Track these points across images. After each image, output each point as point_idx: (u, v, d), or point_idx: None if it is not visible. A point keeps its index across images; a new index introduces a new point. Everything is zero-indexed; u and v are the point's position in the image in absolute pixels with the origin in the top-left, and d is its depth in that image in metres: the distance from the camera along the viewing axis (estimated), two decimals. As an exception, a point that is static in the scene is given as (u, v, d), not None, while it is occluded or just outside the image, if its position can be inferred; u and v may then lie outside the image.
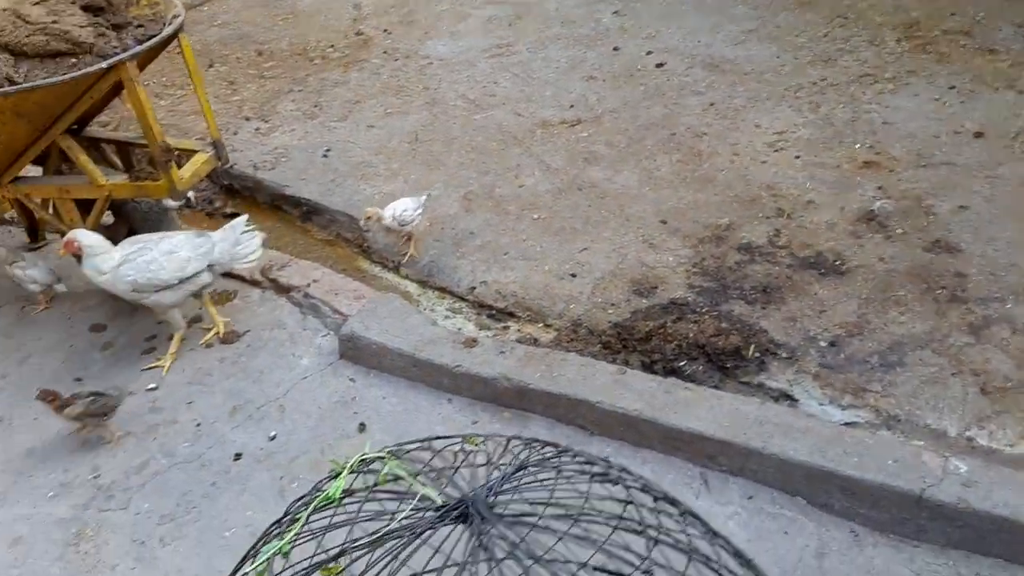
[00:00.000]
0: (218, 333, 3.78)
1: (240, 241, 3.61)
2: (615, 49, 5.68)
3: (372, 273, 4.23)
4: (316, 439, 3.27)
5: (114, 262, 3.42)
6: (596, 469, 1.44)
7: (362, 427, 3.30)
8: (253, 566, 1.32)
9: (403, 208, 3.97)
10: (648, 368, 3.38)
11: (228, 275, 4.05)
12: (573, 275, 3.87)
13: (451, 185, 4.54)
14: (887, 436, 2.94)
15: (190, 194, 4.42)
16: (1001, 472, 2.69)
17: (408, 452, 1.57)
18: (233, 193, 4.94)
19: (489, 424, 3.23)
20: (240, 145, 5.05)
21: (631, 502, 1.38)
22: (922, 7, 5.86)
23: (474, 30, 6.18)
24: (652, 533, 1.32)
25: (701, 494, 2.85)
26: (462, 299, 3.93)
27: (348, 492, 1.39)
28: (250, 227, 3.67)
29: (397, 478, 1.40)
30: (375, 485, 1.38)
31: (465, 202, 4.40)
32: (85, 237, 3.40)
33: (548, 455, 1.48)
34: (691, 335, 3.46)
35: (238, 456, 3.24)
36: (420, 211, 4.01)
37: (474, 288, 3.91)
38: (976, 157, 4.32)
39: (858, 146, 4.48)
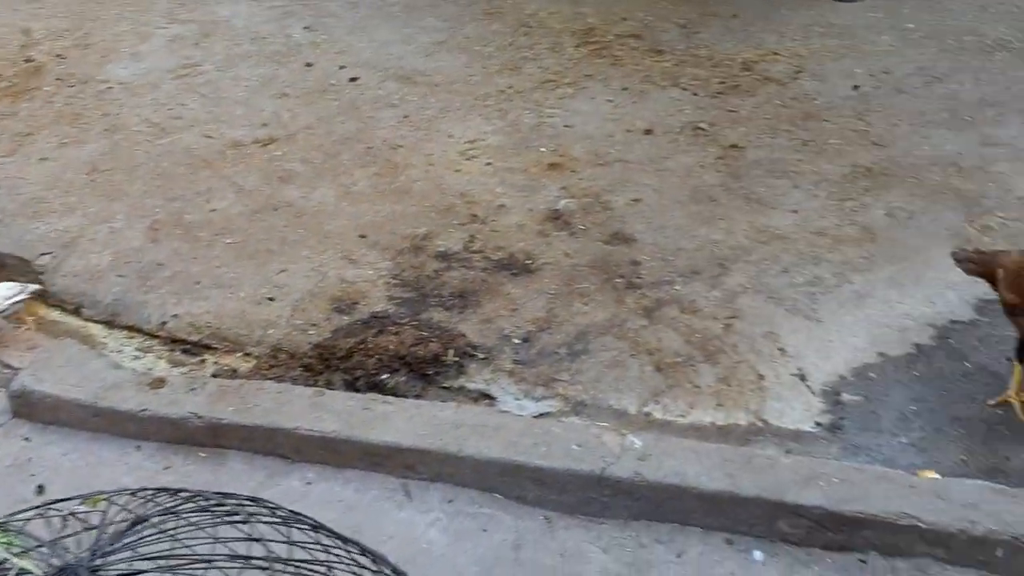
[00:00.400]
0: None
1: None
2: (307, 65, 5.61)
3: (50, 319, 3.87)
4: (-15, 511, 2.94)
5: None
6: (226, 509, 1.38)
7: (40, 489, 3.01)
8: None
9: None
10: (351, 385, 3.36)
11: None
12: (271, 299, 3.77)
13: (134, 216, 4.26)
14: (574, 422, 3.11)
15: None
16: (671, 443, 2.94)
17: (24, 524, 1.43)
18: None
19: (183, 467, 3.06)
20: None
21: (259, 538, 1.34)
22: (598, 13, 6.28)
23: (157, 50, 5.85)
24: (277, 568, 1.28)
25: (404, 505, 2.87)
26: (153, 336, 3.70)
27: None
28: None
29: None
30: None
31: (151, 232, 4.15)
32: None
33: (176, 502, 1.40)
34: (392, 347, 3.47)
35: None
36: (14, 301, 3.67)
37: (165, 323, 3.70)
38: (646, 153, 4.69)
39: (543, 149, 4.72)
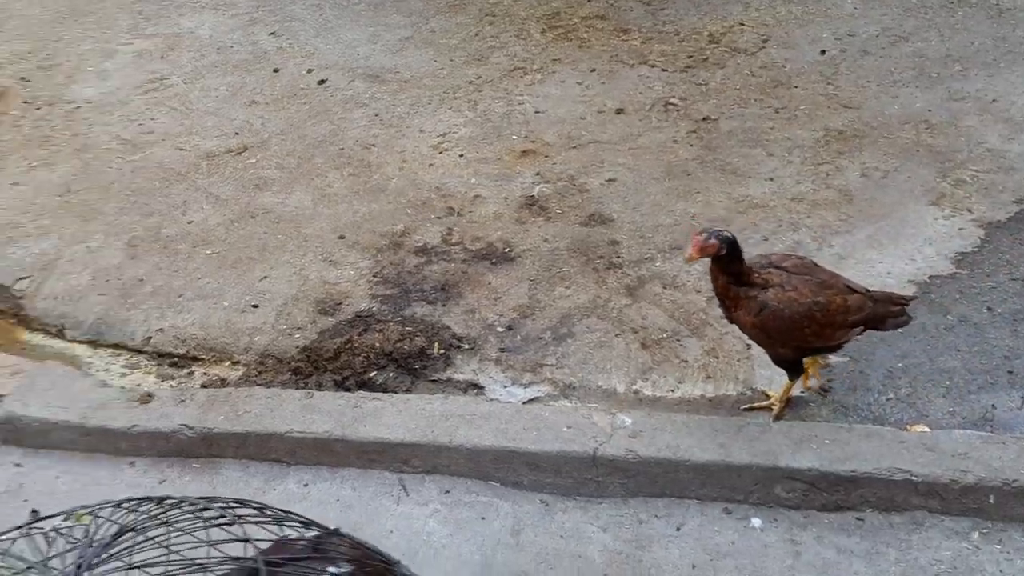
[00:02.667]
0: None
1: None
2: (275, 71, 5.58)
3: (34, 343, 3.85)
4: (-18, 540, 2.93)
5: None
6: (212, 513, 1.39)
7: (35, 514, 2.97)
8: None
9: None
10: (340, 385, 3.35)
11: None
12: (255, 306, 3.76)
13: (112, 233, 4.24)
14: (563, 405, 3.12)
15: None
16: (662, 418, 2.95)
17: (12, 543, 1.43)
18: None
19: (179, 479, 3.06)
20: None
21: (248, 539, 1.34)
22: (562, -3, 6.27)
23: (124, 67, 5.81)
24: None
25: (401, 500, 2.88)
26: (139, 352, 3.69)
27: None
28: None
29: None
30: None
31: (130, 249, 4.14)
32: None
33: (162, 509, 1.40)
34: (378, 344, 3.48)
35: None
36: None
37: (150, 338, 3.69)
38: (619, 132, 4.69)
39: (515, 137, 4.72)
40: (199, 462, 3.11)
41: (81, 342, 3.79)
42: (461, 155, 4.62)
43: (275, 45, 5.92)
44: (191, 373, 3.58)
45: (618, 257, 3.81)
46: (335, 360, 3.45)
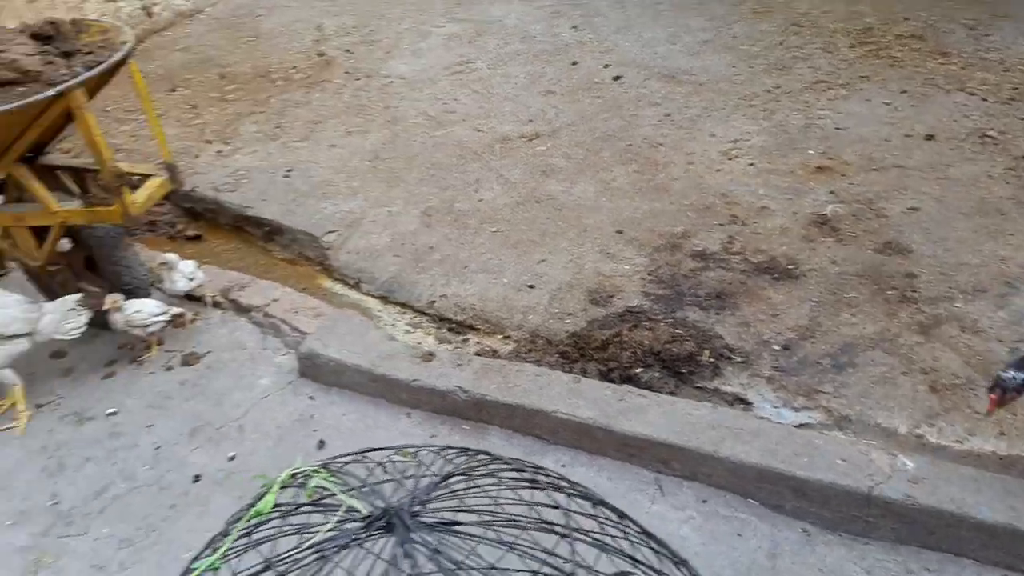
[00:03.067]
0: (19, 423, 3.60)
1: (68, 317, 3.60)
2: (573, 63, 5.74)
3: (334, 291, 4.24)
4: (276, 458, 3.28)
5: None
6: (525, 476, 1.46)
7: (321, 444, 3.31)
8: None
9: (138, 312, 3.78)
10: (605, 376, 3.41)
11: (189, 297, 4.06)
12: (531, 286, 3.91)
13: (411, 201, 4.57)
14: (837, 436, 2.98)
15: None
16: (947, 468, 2.74)
17: (343, 466, 1.58)
18: (195, 216, 4.95)
19: (448, 437, 3.24)
20: (202, 168, 5.06)
21: (557, 506, 1.41)
22: (876, 13, 5.96)
23: (435, 48, 6.22)
24: (576, 535, 1.34)
25: (656, 499, 2.88)
26: (422, 313, 3.95)
27: (279, 507, 1.41)
28: (80, 305, 3.64)
29: (327, 492, 1.41)
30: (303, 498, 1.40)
31: (425, 217, 4.43)
32: None
33: (476, 463, 1.50)
34: (646, 342, 3.49)
35: (197, 478, 3.23)
36: (159, 319, 3.82)
37: (434, 302, 3.93)
38: (926, 159, 4.39)
39: (811, 152, 4.55)
40: (468, 424, 3.28)
41: (374, 296, 4.12)
42: (751, 164, 4.52)
43: (576, 39, 6.09)
44: (466, 340, 3.77)
45: (913, 291, 3.57)
46: (602, 350, 3.51)
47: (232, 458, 3.29)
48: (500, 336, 3.73)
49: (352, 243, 4.37)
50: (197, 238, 4.81)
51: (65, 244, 3.89)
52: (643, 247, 4.07)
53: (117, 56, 3.40)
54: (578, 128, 5.05)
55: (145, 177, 3.77)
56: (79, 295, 3.66)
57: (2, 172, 3.50)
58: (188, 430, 3.45)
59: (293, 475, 1.48)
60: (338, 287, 4.27)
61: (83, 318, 3.63)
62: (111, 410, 3.60)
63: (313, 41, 6.61)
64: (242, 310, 4.08)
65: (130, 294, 3.83)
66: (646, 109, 5.15)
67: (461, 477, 1.42)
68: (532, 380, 3.25)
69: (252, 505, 1.51)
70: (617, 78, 5.50)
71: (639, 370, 3.41)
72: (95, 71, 3.29)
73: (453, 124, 5.23)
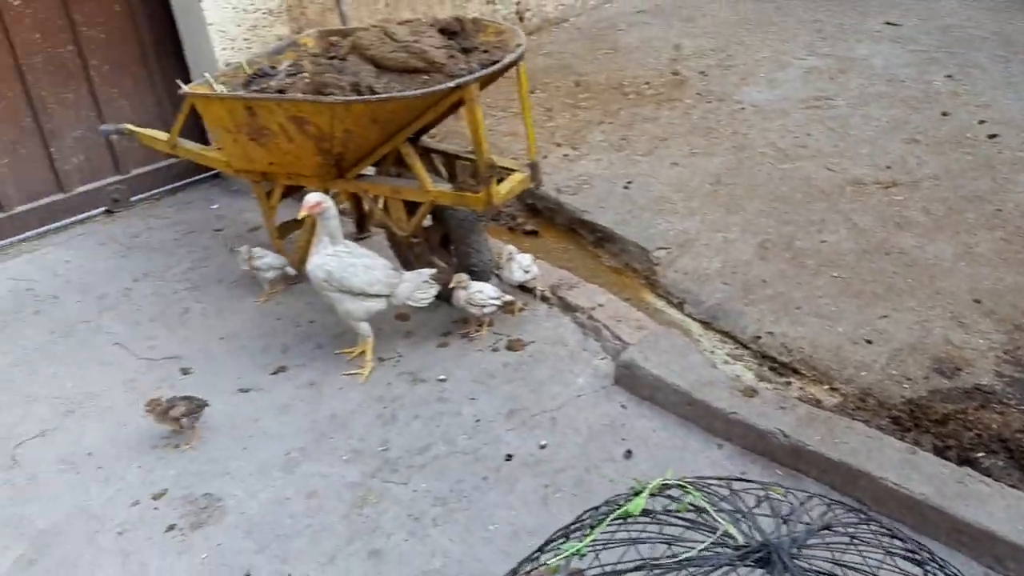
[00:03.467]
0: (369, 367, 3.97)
1: (421, 288, 3.87)
2: (943, 114, 5.36)
3: (656, 307, 4.28)
4: (582, 456, 3.38)
5: (327, 250, 3.76)
6: (901, 545, 1.39)
7: (628, 454, 3.36)
8: (554, 558, 1.41)
9: (479, 293, 4.00)
10: (939, 453, 3.15)
11: (522, 288, 4.29)
12: (868, 341, 3.70)
13: (748, 231, 4.50)
14: None
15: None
16: None
17: (709, 486, 1.60)
18: (535, 212, 5.22)
19: (759, 477, 3.16)
20: (548, 168, 5.32)
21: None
22: None
23: (792, 80, 6.08)
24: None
25: (986, 600, 2.63)
26: (744, 346, 3.88)
27: (647, 512, 1.45)
28: (432, 279, 3.89)
29: (697, 509, 1.43)
30: (675, 510, 1.43)
31: (761, 250, 4.35)
32: (327, 202, 3.73)
33: (855, 520, 1.45)
34: (995, 426, 3.19)
35: (509, 457, 3.42)
36: (495, 303, 4.02)
37: (759, 337, 3.85)
38: None
39: None
40: (781, 469, 3.18)
41: (696, 319, 4.11)
42: None
43: (949, 88, 5.68)
44: (788, 383, 3.65)
45: None
46: (941, 425, 3.25)
47: (543, 446, 3.44)
48: (827, 386, 3.58)
49: (681, 263, 4.39)
50: (534, 233, 5.07)
51: (426, 220, 4.27)
52: (1002, 322, 3.71)
53: (510, 57, 3.66)
54: (941, 183, 4.70)
55: (508, 171, 4.04)
56: (432, 270, 4.00)
57: (392, 147, 3.91)
58: (506, 410, 3.66)
59: (664, 485, 1.51)
60: (660, 304, 4.31)
61: (432, 290, 3.96)
62: (441, 377, 3.90)
63: (669, 59, 6.71)
64: (568, 308, 4.24)
65: (474, 276, 4.12)
66: (1022, 174, 4.68)
67: (837, 530, 1.38)
68: (862, 440, 3.08)
69: (615, 503, 1.56)
70: (992, 136, 5.05)
71: (981, 455, 3.12)
72: (491, 69, 3.58)
73: (803, 159, 5.08)
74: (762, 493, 1.49)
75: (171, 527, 3.26)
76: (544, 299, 4.34)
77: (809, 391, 3.57)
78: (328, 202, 3.74)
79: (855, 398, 3.46)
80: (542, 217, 5.18)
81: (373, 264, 3.84)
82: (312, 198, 3.71)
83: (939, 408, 3.30)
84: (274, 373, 4.02)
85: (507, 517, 3.15)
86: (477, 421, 3.62)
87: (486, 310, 4.04)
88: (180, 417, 3.55)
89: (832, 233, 4.41)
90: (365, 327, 3.92)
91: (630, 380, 3.68)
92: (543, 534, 3.03)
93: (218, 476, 3.47)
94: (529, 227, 5.13)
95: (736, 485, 1.56)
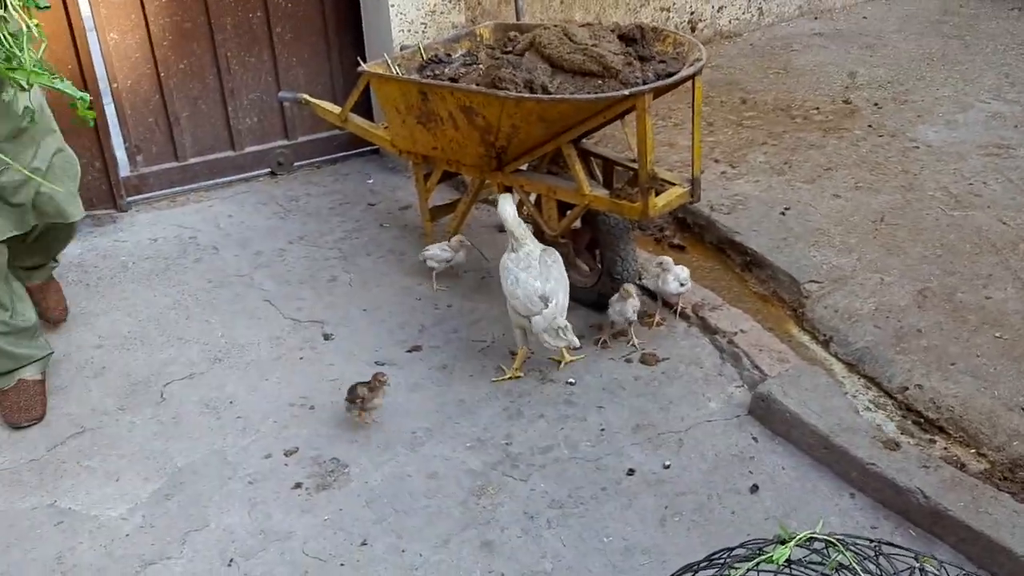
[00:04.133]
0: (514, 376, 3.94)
1: (550, 331, 3.69)
2: None
3: (800, 341, 4.15)
4: (706, 483, 3.32)
5: (507, 253, 3.81)
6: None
7: (754, 488, 3.28)
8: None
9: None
10: (1092, 540, 2.94)
11: (664, 303, 4.25)
12: (1025, 409, 3.49)
13: (907, 276, 4.30)
14: None
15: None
16: None
17: (857, 545, 1.54)
18: (684, 227, 5.15)
19: (890, 535, 3.02)
20: (703, 184, 5.20)
21: None
22: None
23: (973, 123, 5.76)
24: None
25: None
26: (890, 396, 3.71)
27: (790, 563, 1.42)
28: (565, 331, 3.68)
29: (842, 567, 1.39)
30: (818, 563, 1.39)
31: (919, 297, 4.15)
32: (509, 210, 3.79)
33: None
34: None
35: (631, 472, 3.39)
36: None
37: (907, 388, 3.68)
38: None
39: None
40: (915, 531, 3.03)
41: (841, 360, 3.96)
42: None
43: None
44: (932, 441, 3.48)
45: None
46: (1099, 512, 3.03)
47: (667, 467, 3.40)
48: (974, 450, 3.39)
49: (832, 299, 4.24)
50: (680, 248, 5.00)
51: (575, 223, 4.28)
52: None
53: (688, 71, 3.63)
54: None
55: (667, 184, 4.01)
56: (567, 324, 3.76)
57: (554, 147, 3.93)
58: (633, 424, 3.63)
59: (810, 539, 1.47)
60: (806, 339, 4.17)
61: (559, 343, 3.74)
62: (571, 380, 3.91)
63: (842, 87, 6.48)
64: (707, 330, 4.17)
65: (615, 284, 4.10)
66: None
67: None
68: (1007, 514, 2.90)
69: (755, 548, 1.53)
70: None
71: None
72: (667, 81, 3.55)
73: (976, 208, 4.81)
74: (916, 563, 1.42)
75: (298, 485, 3.40)
76: (684, 316, 4.29)
77: (954, 452, 3.39)
78: (503, 211, 3.79)
79: (1004, 467, 3.26)
80: (691, 233, 5.10)
81: (525, 283, 3.71)
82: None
83: (1099, 492, 3.08)
84: (409, 351, 4.13)
85: (622, 532, 3.13)
86: (602, 430, 3.61)
87: (631, 320, 4.02)
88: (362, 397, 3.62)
89: (999, 290, 4.16)
90: (519, 336, 3.91)
91: (765, 413, 3.59)
92: (656, 554, 3.03)
93: (346, 443, 3.59)
94: (676, 241, 5.07)
95: (886, 549, 1.50)
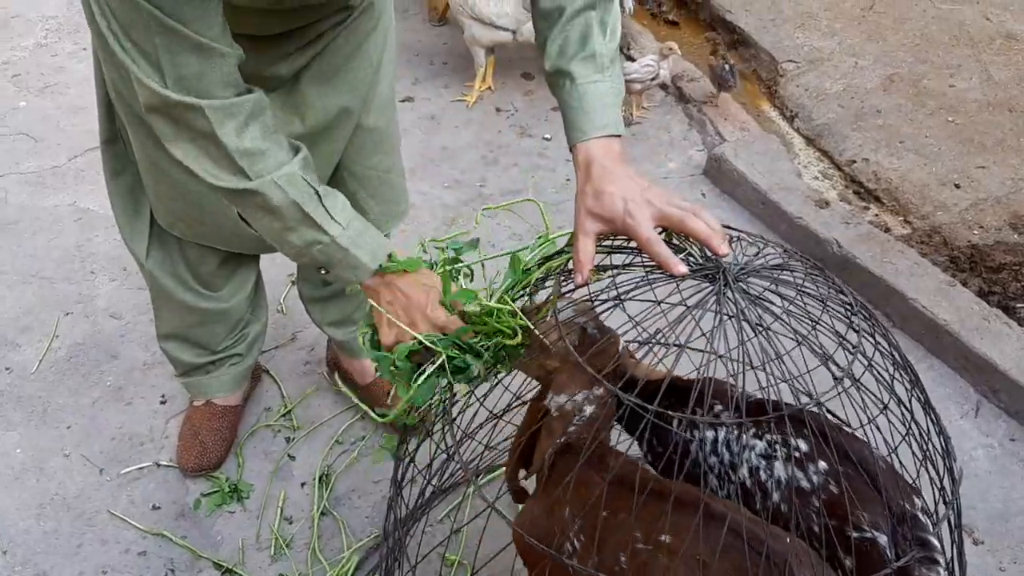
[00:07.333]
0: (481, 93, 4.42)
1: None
2: None
3: (767, 116, 4.41)
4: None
5: None
6: (844, 299, 1.69)
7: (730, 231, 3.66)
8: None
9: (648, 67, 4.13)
10: (983, 295, 3.33)
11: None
12: (957, 185, 3.79)
13: (881, 61, 4.49)
14: None
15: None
16: None
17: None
18: (681, 4, 5.26)
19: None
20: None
21: (858, 331, 1.62)
22: None
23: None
24: (859, 353, 1.56)
25: (967, 417, 2.90)
26: (839, 168, 4.02)
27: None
28: None
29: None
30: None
31: (887, 82, 4.36)
32: None
33: (816, 273, 1.73)
34: (1046, 283, 3.33)
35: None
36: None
37: (854, 162, 3.98)
38: None
39: None
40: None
41: (801, 134, 4.24)
42: None
43: None
44: (866, 208, 3.81)
45: None
46: (994, 272, 3.40)
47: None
48: (901, 218, 3.73)
49: (805, 79, 4.45)
50: (675, 24, 5.15)
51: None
52: (1100, 198, 3.72)
53: None
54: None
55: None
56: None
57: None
58: (597, 176, 3.97)
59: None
60: (773, 114, 4.43)
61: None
62: (547, 136, 4.22)
63: None
64: (682, 99, 4.43)
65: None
66: None
67: (788, 274, 1.67)
68: (909, 265, 3.28)
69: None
70: None
71: (1020, 305, 3.29)
72: None
73: (964, 3, 4.90)
74: (735, 234, 1.78)
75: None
76: (663, 87, 4.52)
77: (883, 219, 3.74)
78: None
79: (923, 233, 3.61)
80: (687, 8, 5.23)
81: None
82: None
83: (998, 257, 3.44)
84: (402, 100, 4.42)
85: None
86: (567, 180, 3.96)
87: (637, 87, 4.19)
88: None
89: (964, 80, 4.35)
90: (481, 56, 4.26)
91: (716, 173, 3.91)
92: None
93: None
94: (671, 17, 5.21)
95: (731, 232, 1.85)
